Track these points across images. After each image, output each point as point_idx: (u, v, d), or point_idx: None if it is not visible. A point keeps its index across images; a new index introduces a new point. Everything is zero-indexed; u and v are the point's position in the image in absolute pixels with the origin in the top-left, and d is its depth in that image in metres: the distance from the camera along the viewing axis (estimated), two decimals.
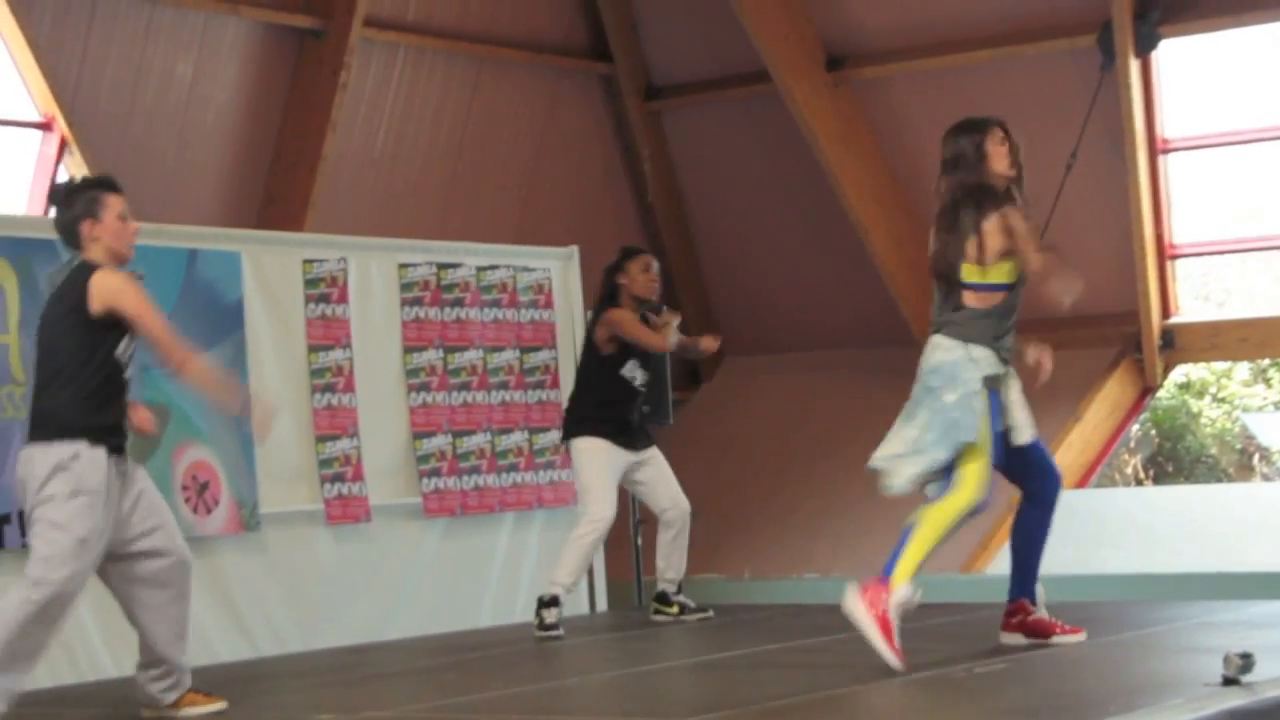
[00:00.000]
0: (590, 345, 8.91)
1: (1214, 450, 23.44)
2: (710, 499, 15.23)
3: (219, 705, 6.60)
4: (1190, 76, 14.48)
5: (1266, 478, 22.49)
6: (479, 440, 9.81)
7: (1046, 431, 14.37)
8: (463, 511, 9.69)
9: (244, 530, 8.73)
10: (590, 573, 10.23)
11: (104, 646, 8.07)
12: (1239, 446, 23.41)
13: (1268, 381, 23.29)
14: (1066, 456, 14.41)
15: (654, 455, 8.91)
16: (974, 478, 6.50)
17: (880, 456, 6.61)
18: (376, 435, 9.37)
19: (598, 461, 8.69)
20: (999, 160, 6.75)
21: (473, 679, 7.39)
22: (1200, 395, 23.44)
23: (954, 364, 6.58)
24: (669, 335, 8.85)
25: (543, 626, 8.59)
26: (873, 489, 6.77)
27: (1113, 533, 14.17)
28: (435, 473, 9.59)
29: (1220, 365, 21.69)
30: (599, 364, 8.82)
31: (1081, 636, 6.91)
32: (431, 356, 9.67)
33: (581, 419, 8.82)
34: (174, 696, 6.54)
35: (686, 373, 16.19)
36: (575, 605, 9.82)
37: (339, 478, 9.18)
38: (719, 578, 13.94)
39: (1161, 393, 17.83)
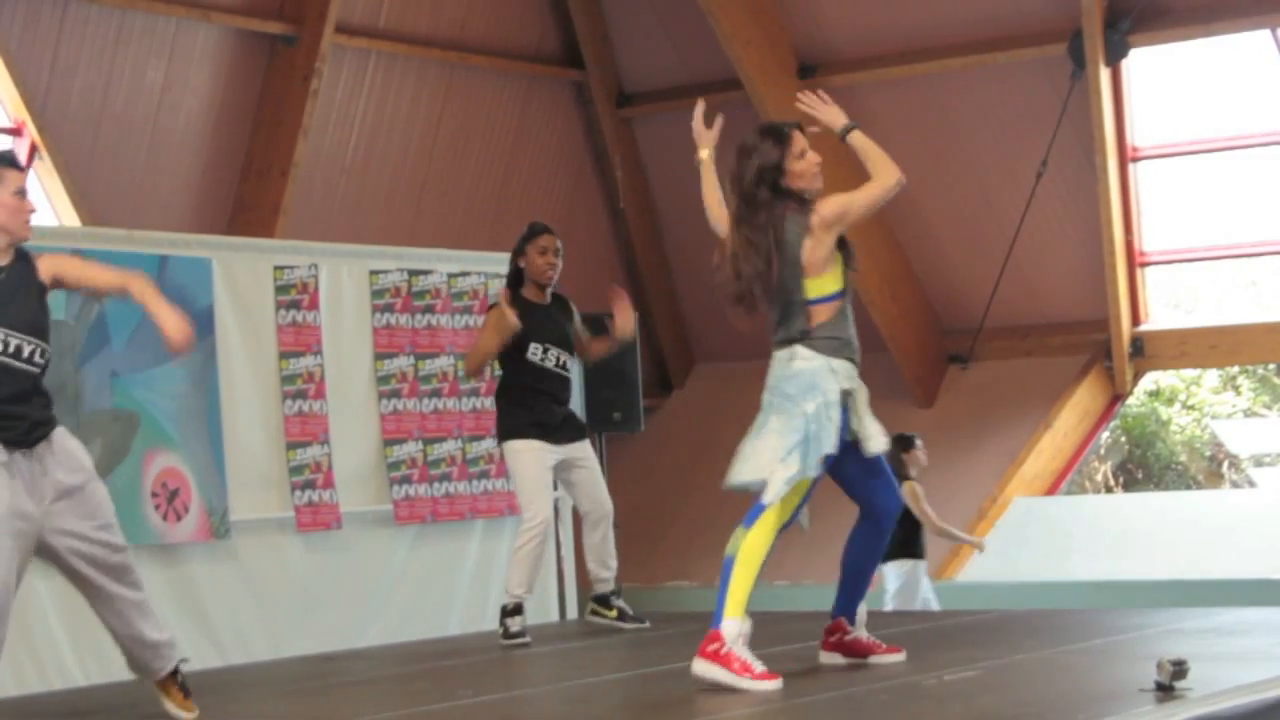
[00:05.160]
0: None
1: (1184, 457, 23.49)
2: (681, 506, 15.26)
3: (190, 715, 6.53)
4: (1160, 85, 14.53)
5: (1236, 485, 22.54)
6: (450, 447, 9.80)
7: (1017, 439, 14.55)
8: (433, 518, 9.67)
9: (214, 538, 8.71)
10: (560, 580, 10.22)
11: (72, 655, 8.04)
12: (1209, 454, 23.47)
13: (1237, 389, 23.35)
14: (1037, 464, 14.43)
15: (586, 456, 8.86)
16: (794, 497, 6.44)
17: (744, 474, 6.43)
18: (347, 442, 9.36)
19: (528, 463, 8.64)
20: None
21: (442, 687, 7.37)
22: (1170, 402, 23.49)
23: (814, 372, 6.48)
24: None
25: (508, 635, 8.58)
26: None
27: (1083, 540, 14.19)
28: (406, 480, 9.58)
29: (1190, 372, 21.74)
30: (505, 354, 8.79)
31: (901, 656, 6.73)
32: (402, 363, 9.66)
33: (509, 412, 8.75)
34: (162, 666, 6.45)
35: (658, 380, 16.20)
36: (546, 613, 9.80)
37: (309, 485, 9.16)
38: (689, 585, 13.94)
39: (1131, 400, 17.86)
